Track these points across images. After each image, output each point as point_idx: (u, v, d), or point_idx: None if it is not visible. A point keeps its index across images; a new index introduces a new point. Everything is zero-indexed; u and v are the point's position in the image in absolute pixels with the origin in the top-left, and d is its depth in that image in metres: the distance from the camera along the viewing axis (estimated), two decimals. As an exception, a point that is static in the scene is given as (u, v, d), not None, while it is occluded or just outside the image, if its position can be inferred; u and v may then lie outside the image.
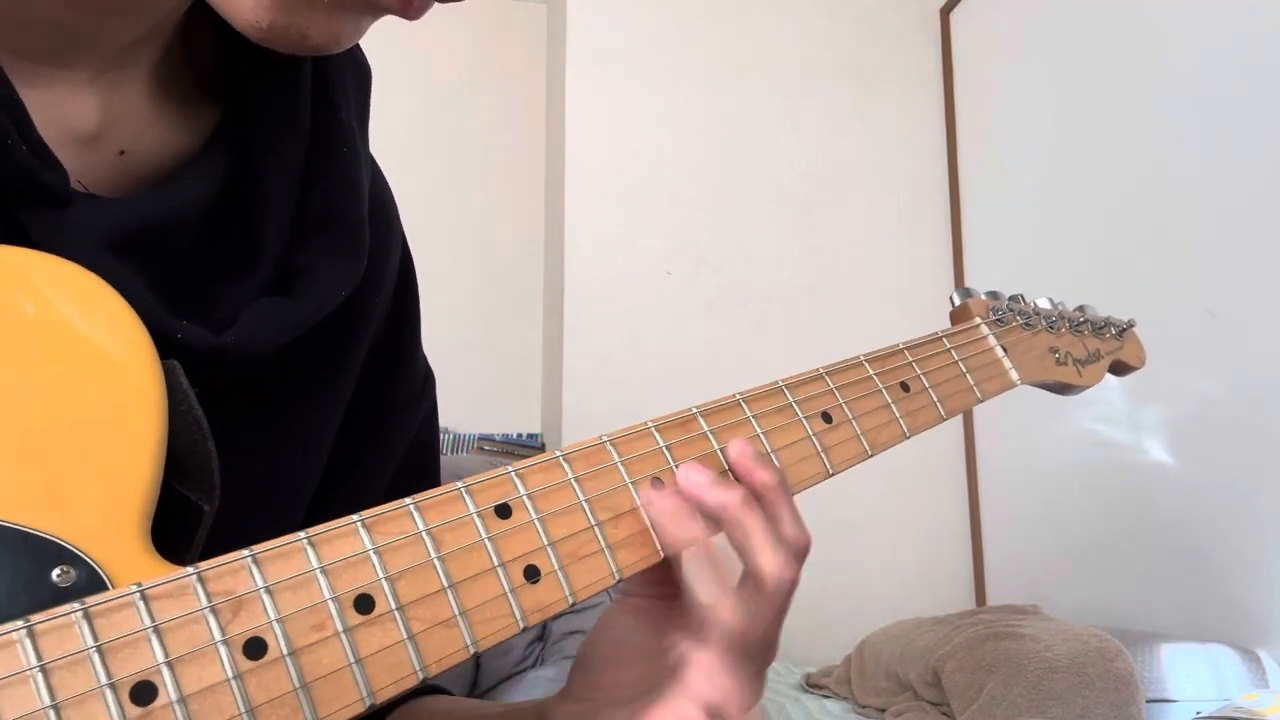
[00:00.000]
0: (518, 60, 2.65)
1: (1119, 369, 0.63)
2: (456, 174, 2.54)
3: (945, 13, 2.46)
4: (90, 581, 0.27)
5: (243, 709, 0.27)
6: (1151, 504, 1.71)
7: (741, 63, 2.36)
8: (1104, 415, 1.83)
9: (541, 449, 2.33)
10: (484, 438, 2.32)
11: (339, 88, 0.43)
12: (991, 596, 2.19)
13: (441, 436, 2.30)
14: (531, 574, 0.33)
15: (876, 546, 2.23)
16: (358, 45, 0.46)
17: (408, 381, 0.51)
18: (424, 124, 2.50)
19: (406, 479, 0.51)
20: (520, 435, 2.39)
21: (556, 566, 0.33)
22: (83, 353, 0.29)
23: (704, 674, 0.35)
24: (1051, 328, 0.57)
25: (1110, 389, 1.80)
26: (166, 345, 0.32)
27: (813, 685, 1.78)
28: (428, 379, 0.53)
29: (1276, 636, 1.45)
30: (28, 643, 0.25)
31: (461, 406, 2.33)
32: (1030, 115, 2.13)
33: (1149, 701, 1.35)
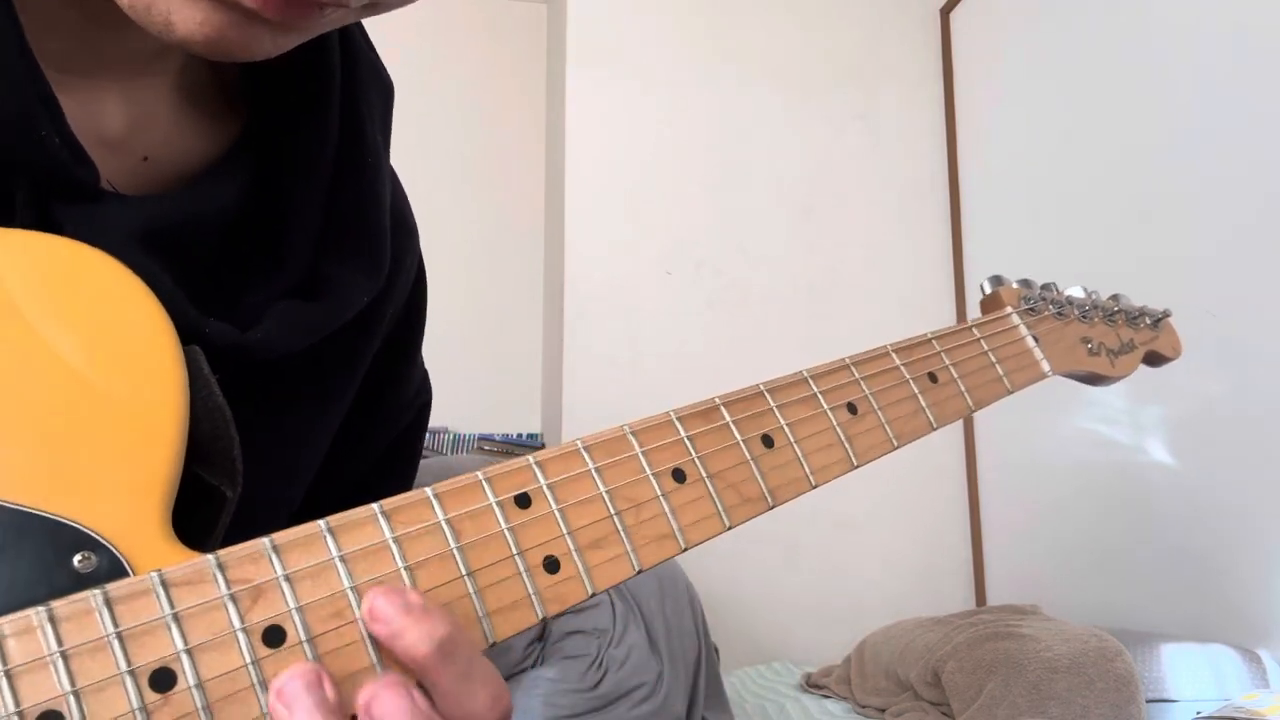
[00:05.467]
0: (518, 60, 2.65)
1: (1153, 360, 0.61)
2: (457, 174, 2.54)
3: (945, 13, 2.47)
4: (111, 568, 0.27)
5: (261, 696, 0.27)
6: (1151, 504, 1.71)
7: (742, 63, 2.37)
8: (1104, 416, 1.83)
9: (541, 449, 2.33)
10: (484, 438, 2.31)
11: (365, 101, 0.44)
12: (991, 596, 2.20)
13: (441, 436, 2.29)
14: (551, 565, 0.33)
15: (876, 546, 2.23)
16: (379, 61, 0.46)
17: (406, 387, 0.52)
18: (424, 124, 2.50)
19: (380, 477, 0.51)
20: (520, 435, 2.39)
21: (576, 558, 0.33)
22: (104, 338, 0.29)
23: None
24: (1084, 317, 0.56)
25: (1111, 389, 1.80)
26: (192, 341, 0.32)
27: (813, 685, 1.78)
28: (423, 385, 0.54)
29: (1276, 636, 1.45)
30: (48, 628, 0.25)
31: (461, 406, 2.33)
32: (1030, 115, 2.13)
33: (1149, 701, 1.35)
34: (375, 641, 0.28)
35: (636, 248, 2.24)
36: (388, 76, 0.47)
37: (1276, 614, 1.45)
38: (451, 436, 2.33)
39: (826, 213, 2.36)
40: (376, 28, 0.38)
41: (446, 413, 2.33)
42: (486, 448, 2.30)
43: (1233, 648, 1.42)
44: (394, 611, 0.27)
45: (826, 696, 1.72)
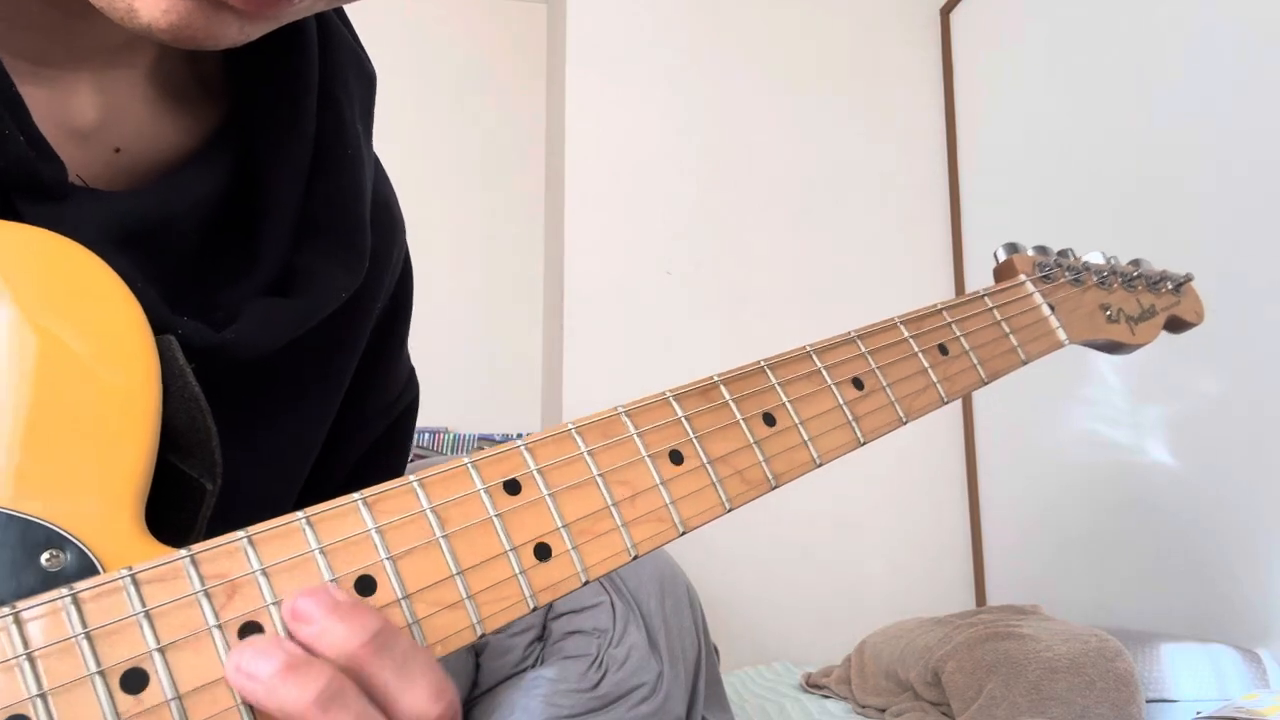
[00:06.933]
0: (518, 60, 2.65)
1: (1175, 325, 0.58)
2: (456, 174, 2.53)
3: (945, 13, 2.46)
4: (80, 565, 0.26)
5: (237, 696, 0.26)
6: (1152, 504, 1.70)
7: (742, 62, 2.36)
8: (1104, 415, 1.82)
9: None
10: (484, 438, 2.31)
11: (344, 90, 0.42)
12: (991, 596, 2.19)
13: (441, 436, 2.29)
14: (542, 552, 0.31)
15: (876, 546, 2.22)
16: (362, 49, 0.45)
17: (393, 383, 0.51)
18: (424, 124, 2.50)
19: (368, 469, 0.50)
20: (520, 435, 2.38)
21: (569, 545, 0.32)
22: (74, 329, 0.28)
23: None
24: (1103, 283, 0.54)
25: (1111, 389, 1.79)
26: None
27: (813, 685, 1.77)
28: (410, 382, 0.53)
29: (1277, 636, 1.44)
30: (14, 630, 0.24)
31: (461, 406, 2.32)
32: (1030, 115, 2.12)
33: (1149, 701, 1.34)
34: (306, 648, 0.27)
35: (636, 248, 2.23)
36: (370, 65, 0.46)
37: (1276, 614, 1.44)
38: (451, 437, 2.32)
39: (826, 212, 2.35)
40: (375, 28, 0.37)
41: (446, 413, 2.32)
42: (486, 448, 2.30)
43: (1233, 648, 1.41)
44: (319, 610, 0.26)
45: (826, 696, 1.71)
